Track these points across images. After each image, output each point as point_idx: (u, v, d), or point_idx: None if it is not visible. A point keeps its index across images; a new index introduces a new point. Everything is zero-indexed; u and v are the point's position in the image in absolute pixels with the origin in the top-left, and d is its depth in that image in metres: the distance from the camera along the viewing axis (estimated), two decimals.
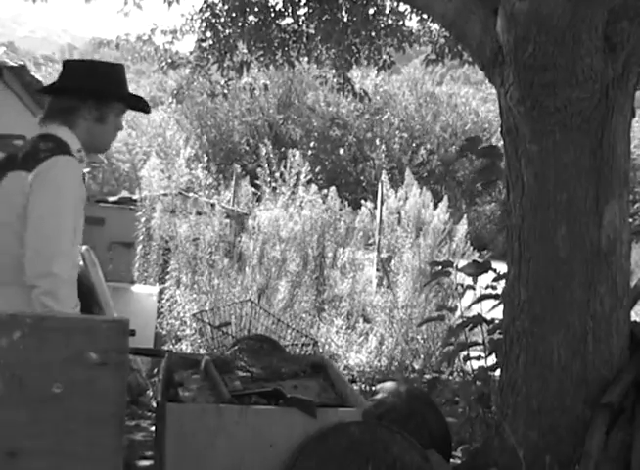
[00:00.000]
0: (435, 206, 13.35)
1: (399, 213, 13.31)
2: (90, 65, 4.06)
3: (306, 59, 11.59)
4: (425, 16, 11.03)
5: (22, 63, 12.05)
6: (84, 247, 6.40)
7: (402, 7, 10.71)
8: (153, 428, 6.51)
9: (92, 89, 3.82)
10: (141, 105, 4.14)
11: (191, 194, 14.58)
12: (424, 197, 13.45)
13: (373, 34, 10.76)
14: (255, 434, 4.74)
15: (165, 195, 13.07)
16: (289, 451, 4.72)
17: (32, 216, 3.51)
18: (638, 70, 5.50)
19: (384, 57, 11.42)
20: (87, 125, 3.82)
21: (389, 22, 10.76)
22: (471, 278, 7.14)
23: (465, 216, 13.69)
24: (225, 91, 12.00)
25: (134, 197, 13.48)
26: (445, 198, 13.82)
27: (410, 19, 11.10)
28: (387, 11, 10.74)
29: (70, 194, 3.56)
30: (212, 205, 12.66)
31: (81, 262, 6.09)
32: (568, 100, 5.23)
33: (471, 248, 13.10)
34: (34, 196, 3.52)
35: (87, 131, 3.83)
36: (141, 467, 6.25)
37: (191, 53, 11.33)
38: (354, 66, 11.36)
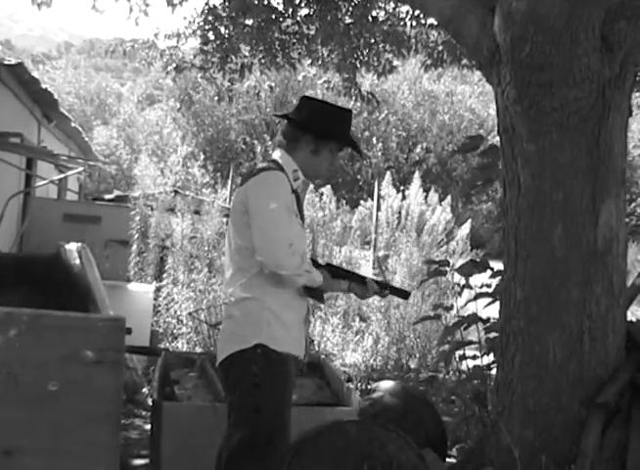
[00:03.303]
0: (439, 204, 13.44)
1: (400, 213, 13.35)
2: (318, 104, 4.68)
3: (309, 62, 11.60)
4: (423, 22, 11.01)
5: (19, 60, 12.04)
6: (80, 245, 6.40)
7: (401, 12, 10.70)
8: (148, 426, 6.50)
9: (311, 125, 4.47)
10: (355, 148, 4.67)
11: (187, 192, 14.58)
12: (430, 197, 13.52)
13: (372, 40, 10.75)
14: None
15: (161, 193, 13.07)
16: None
17: (253, 219, 4.21)
18: (635, 70, 5.50)
19: (383, 63, 11.40)
20: (304, 154, 4.49)
21: (388, 27, 10.74)
22: (467, 277, 7.15)
23: (466, 216, 13.75)
24: (229, 95, 12.01)
25: (133, 194, 13.47)
26: (449, 198, 13.91)
27: (411, 25, 11.06)
28: (385, 16, 10.71)
29: (278, 195, 4.24)
30: (209, 203, 12.67)
31: (77, 261, 6.09)
32: (564, 99, 5.23)
33: (469, 247, 13.12)
34: (251, 203, 4.25)
35: (303, 159, 4.49)
36: (136, 466, 6.25)
37: (194, 56, 11.35)
38: (359, 68, 11.33)
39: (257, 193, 4.26)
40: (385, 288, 4.64)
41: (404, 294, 4.87)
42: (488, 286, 6.79)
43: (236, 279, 4.33)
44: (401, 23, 10.91)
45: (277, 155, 4.52)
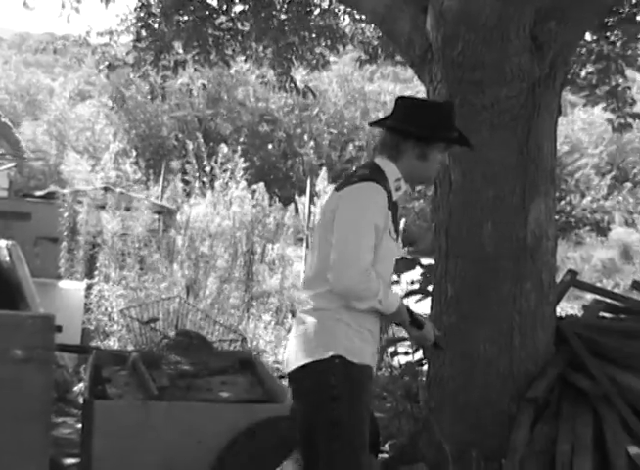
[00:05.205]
0: None
1: None
2: (416, 105, 4.27)
3: (243, 58, 11.56)
4: (357, 16, 11.04)
5: None
6: (10, 242, 6.32)
7: (334, 6, 10.71)
8: (79, 425, 6.43)
9: (413, 130, 4.07)
10: (464, 141, 4.27)
11: (118, 189, 14.46)
12: None
13: (306, 35, 10.74)
14: (183, 430, 4.72)
15: (92, 189, 12.95)
16: (217, 447, 4.71)
17: (335, 232, 3.91)
18: (564, 70, 5.59)
19: (316, 57, 11.39)
20: (409, 161, 4.08)
21: (322, 22, 10.74)
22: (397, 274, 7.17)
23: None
24: (163, 92, 11.91)
25: (62, 191, 13.32)
26: None
27: (344, 19, 11.09)
28: (319, 11, 10.72)
29: (369, 213, 3.88)
30: (140, 200, 12.58)
31: (7, 258, 6.01)
32: (496, 98, 5.28)
33: (401, 244, 13.17)
34: (338, 213, 3.93)
35: (409, 166, 4.09)
36: (67, 465, 6.18)
37: (127, 53, 11.22)
38: (294, 64, 11.30)
39: (348, 205, 3.94)
40: (435, 344, 4.29)
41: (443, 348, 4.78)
42: (419, 282, 6.83)
43: (314, 286, 4.06)
44: (336, 17, 10.93)
45: (381, 162, 4.13)
